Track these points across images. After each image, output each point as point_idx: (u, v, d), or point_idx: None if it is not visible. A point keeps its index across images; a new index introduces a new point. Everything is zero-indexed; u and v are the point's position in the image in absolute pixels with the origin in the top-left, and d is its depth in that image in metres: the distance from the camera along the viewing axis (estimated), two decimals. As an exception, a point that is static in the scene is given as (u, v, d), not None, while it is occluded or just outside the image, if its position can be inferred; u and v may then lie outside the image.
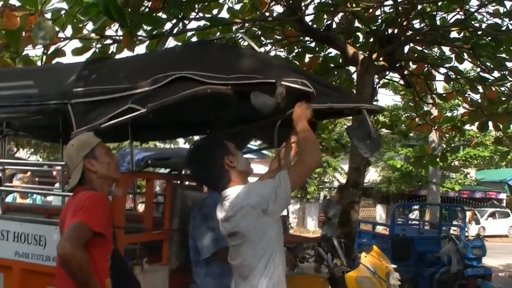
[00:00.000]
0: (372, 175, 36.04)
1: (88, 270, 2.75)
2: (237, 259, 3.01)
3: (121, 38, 5.58)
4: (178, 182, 4.72)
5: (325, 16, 8.30)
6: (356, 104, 3.76)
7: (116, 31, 6.07)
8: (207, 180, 3.25)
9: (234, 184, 3.04)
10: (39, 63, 6.17)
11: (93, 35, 5.61)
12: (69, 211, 2.98)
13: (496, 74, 8.53)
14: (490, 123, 8.47)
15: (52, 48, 5.69)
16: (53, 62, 5.79)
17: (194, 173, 3.27)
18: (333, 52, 8.42)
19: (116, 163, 3.34)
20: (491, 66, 8.35)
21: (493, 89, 8.68)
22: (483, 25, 8.20)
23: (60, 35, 5.29)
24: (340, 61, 8.42)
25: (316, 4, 7.98)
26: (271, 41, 8.57)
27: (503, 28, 7.62)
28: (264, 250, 2.92)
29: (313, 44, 8.43)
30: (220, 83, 3.10)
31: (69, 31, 5.65)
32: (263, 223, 2.91)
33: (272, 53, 8.58)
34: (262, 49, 7.96)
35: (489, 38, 7.91)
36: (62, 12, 5.12)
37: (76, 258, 2.70)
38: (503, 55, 8.05)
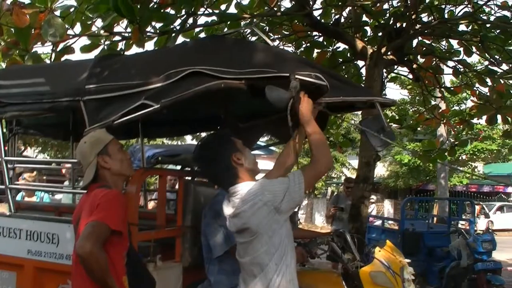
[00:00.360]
0: (380, 170, 36.02)
1: (107, 269, 2.76)
2: (246, 256, 2.99)
3: (130, 34, 5.57)
4: (190, 178, 4.73)
5: (334, 11, 8.27)
6: (369, 98, 3.75)
7: (126, 27, 6.06)
8: (214, 177, 3.20)
9: (242, 180, 3.02)
10: (47, 61, 6.18)
11: (102, 32, 5.60)
12: (84, 208, 2.97)
13: (504, 67, 8.48)
14: (498, 116, 8.42)
15: (61, 46, 5.67)
16: (62, 59, 5.78)
17: (201, 170, 3.24)
18: (341, 46, 8.40)
19: (129, 160, 3.34)
20: (500, 59, 8.31)
21: (502, 82, 8.64)
22: (492, 18, 8.16)
23: (69, 32, 5.28)
24: (349, 55, 8.40)
25: (324, -1, 7.97)
26: (279, 36, 8.56)
27: (512, 21, 7.59)
28: (275, 248, 2.90)
29: (321, 39, 8.41)
30: (233, 78, 3.08)
31: (78, 28, 5.64)
32: (275, 221, 2.90)
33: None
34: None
35: (498, 31, 7.87)
36: (72, 9, 5.12)
37: (95, 256, 2.70)
38: (512, 48, 8.03)
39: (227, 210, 3.05)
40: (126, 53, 6.26)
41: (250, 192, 2.91)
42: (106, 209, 2.87)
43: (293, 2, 7.27)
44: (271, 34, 8.28)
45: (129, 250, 3.10)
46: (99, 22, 5.69)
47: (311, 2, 7.07)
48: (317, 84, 3.09)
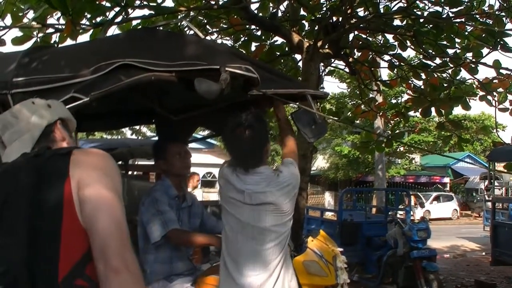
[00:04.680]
0: (320, 162, 36.53)
1: None
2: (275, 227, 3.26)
3: (63, 27, 5.45)
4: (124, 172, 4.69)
5: (271, 4, 8.32)
6: (300, 90, 3.80)
7: (58, 19, 5.93)
8: (251, 158, 3.28)
9: (264, 164, 3.32)
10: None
11: (34, 23, 5.46)
12: None
13: (438, 60, 8.71)
14: (432, 109, 8.66)
15: (-9, 37, 5.51)
16: (-7, 52, 5.61)
17: (233, 145, 3.31)
18: (279, 40, 8.45)
19: None
20: (433, 53, 8.52)
21: (435, 75, 8.89)
22: (425, 13, 8.36)
23: (-1, 23, 5.15)
24: (286, 49, 8.45)
25: (261, -8, 8.01)
26: (217, 29, 8.55)
27: (444, 16, 7.78)
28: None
29: (259, 33, 8.44)
30: (164, 70, 3.08)
31: (8, 19, 5.50)
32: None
33: (219, 42, 8.55)
34: (208, 38, 7.92)
35: (431, 25, 8.07)
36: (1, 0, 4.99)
37: None
38: (444, 42, 8.23)
39: (247, 186, 3.22)
40: (60, 45, 6.12)
41: (292, 175, 3.31)
42: None
43: (230, -5, 7.27)
44: (209, 28, 8.27)
45: None
46: (31, 14, 5.56)
47: (247, -5, 7.09)
48: (246, 76, 3.13)
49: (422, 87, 9.22)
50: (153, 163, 4.49)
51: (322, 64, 8.50)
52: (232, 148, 3.30)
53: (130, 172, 4.84)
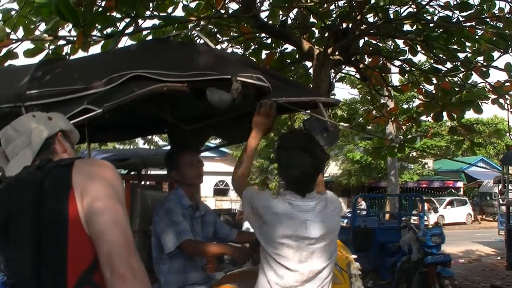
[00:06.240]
0: (333, 168, 36.45)
1: None
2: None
3: (75, 38, 5.49)
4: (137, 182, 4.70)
5: (280, 12, 8.33)
6: (312, 98, 3.80)
7: (70, 31, 5.97)
8: (310, 181, 3.08)
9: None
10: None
11: (45, 36, 5.51)
12: None
13: (448, 65, 8.69)
14: (444, 113, 8.63)
15: (4, 50, 5.56)
16: (5, 65, 5.66)
17: (302, 171, 3.03)
18: (289, 47, 8.46)
19: None
20: (444, 57, 8.50)
21: (447, 80, 8.85)
22: (435, 18, 8.35)
23: (12, 36, 5.18)
24: (297, 56, 8.46)
25: (271, 0, 8.02)
26: (228, 38, 8.57)
27: (454, 20, 7.77)
28: None
29: (269, 40, 8.46)
30: (176, 81, 3.09)
31: (21, 32, 5.54)
32: None
33: (229, 50, 8.58)
34: (218, 46, 7.95)
35: (441, 30, 8.05)
36: (13, 12, 5.02)
37: None
38: (455, 47, 8.21)
39: (306, 215, 2.98)
40: (72, 57, 6.17)
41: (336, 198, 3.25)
42: None
43: (240, 4, 7.30)
44: (219, 36, 8.30)
45: None
46: (43, 26, 5.59)
47: (258, 4, 7.11)
48: (258, 85, 3.13)
49: (434, 91, 9.19)
50: (165, 172, 4.50)
51: (332, 70, 8.50)
52: (291, 170, 3.05)
53: (143, 182, 4.85)
